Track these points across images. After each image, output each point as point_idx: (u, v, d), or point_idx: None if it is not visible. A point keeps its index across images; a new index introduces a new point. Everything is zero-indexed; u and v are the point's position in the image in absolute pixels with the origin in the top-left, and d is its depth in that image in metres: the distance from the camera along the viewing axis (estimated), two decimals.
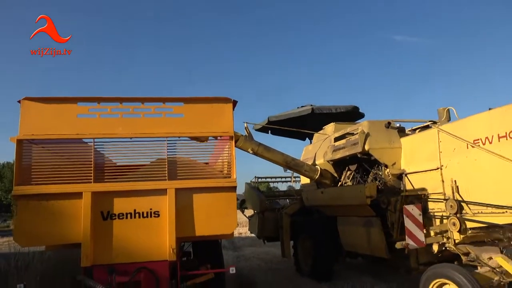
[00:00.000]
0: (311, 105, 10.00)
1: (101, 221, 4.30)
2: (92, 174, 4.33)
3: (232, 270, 4.58)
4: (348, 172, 7.54)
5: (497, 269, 4.66)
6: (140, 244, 4.32)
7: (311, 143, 9.41)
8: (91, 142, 4.43)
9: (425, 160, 5.76)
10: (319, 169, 7.56)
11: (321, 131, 8.59)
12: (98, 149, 4.46)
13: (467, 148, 5.12)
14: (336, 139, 7.52)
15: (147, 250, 4.32)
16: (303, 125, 9.46)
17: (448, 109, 6.49)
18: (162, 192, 4.42)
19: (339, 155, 7.19)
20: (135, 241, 4.31)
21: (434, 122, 6.44)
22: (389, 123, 6.53)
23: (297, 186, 10.92)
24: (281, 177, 11.69)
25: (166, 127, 4.59)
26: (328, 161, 7.57)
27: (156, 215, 4.41)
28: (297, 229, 8.62)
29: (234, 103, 4.74)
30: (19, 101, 4.36)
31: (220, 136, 4.73)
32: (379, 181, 6.54)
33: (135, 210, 4.38)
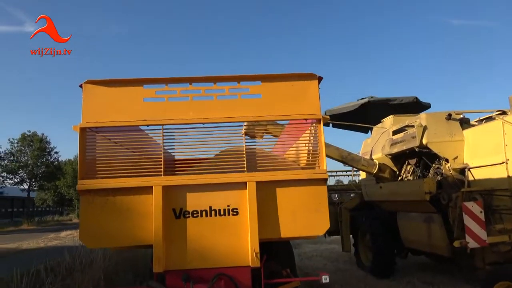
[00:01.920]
0: (371, 97, 9.60)
1: (174, 220, 3.75)
2: (162, 166, 3.77)
3: (326, 279, 3.84)
4: (409, 167, 7.26)
5: None
6: (218, 247, 3.74)
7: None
8: (160, 129, 3.86)
9: (489, 154, 5.43)
10: (377, 163, 7.34)
11: (379, 124, 8.32)
12: (167, 137, 3.89)
13: None
14: (395, 132, 7.26)
15: (225, 254, 3.73)
16: (363, 118, 9.39)
17: None
18: (241, 186, 3.82)
19: (396, 149, 6.95)
20: (212, 243, 3.73)
21: (504, 112, 6.11)
22: (449, 114, 6.18)
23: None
24: (345, 171, 11.30)
25: (242, 110, 3.95)
26: (386, 155, 7.35)
27: (235, 213, 3.80)
28: (357, 223, 8.53)
29: (320, 79, 3.97)
30: (80, 85, 3.89)
31: (306, 119, 3.98)
32: (440, 176, 6.20)
33: (210, 207, 3.79)
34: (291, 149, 4.55)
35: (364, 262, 8.19)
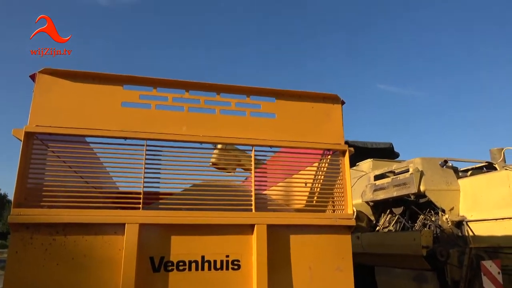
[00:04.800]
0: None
1: (151, 274, 2.65)
2: (141, 196, 2.71)
3: None
4: (389, 216, 6.69)
5: None
6: None
7: None
8: (142, 145, 2.84)
9: (493, 207, 5.03)
10: (355, 210, 6.48)
11: (355, 167, 7.70)
12: (151, 157, 2.86)
13: None
14: (377, 178, 6.68)
15: None
16: None
17: (504, 150, 6.07)
18: (246, 229, 2.85)
19: (382, 195, 6.31)
20: None
21: (490, 163, 5.93)
22: (445, 161, 5.83)
23: None
24: None
25: (251, 130, 3.08)
26: (367, 202, 6.70)
27: (236, 267, 2.80)
28: None
29: (343, 103, 3.30)
30: (32, 76, 2.80)
31: (327, 149, 3.22)
32: (436, 228, 5.65)
33: (203, 258, 2.75)
34: (285, 184, 3.70)
35: None
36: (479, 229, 5.15)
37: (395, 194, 5.99)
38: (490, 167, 5.92)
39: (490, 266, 4.46)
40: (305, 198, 3.51)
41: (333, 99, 3.34)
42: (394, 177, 6.18)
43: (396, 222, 6.43)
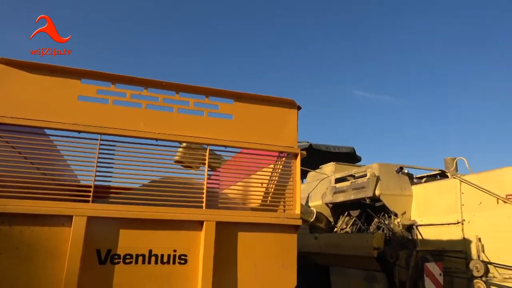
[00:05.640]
0: (307, 142, 9.37)
1: (97, 266, 2.70)
2: (91, 189, 2.75)
3: None
4: (347, 218, 6.94)
5: None
6: None
7: (302, 182, 8.72)
8: (96, 139, 2.88)
9: (442, 213, 5.33)
10: (314, 211, 6.75)
11: (318, 170, 7.95)
12: (105, 151, 2.91)
13: (497, 203, 4.69)
14: (338, 180, 6.93)
15: None
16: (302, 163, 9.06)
17: (457, 160, 6.25)
18: (195, 225, 2.95)
19: (341, 198, 6.56)
20: None
21: (443, 172, 6.19)
22: (401, 168, 6.10)
23: None
24: None
25: (208, 130, 3.17)
26: (326, 204, 6.91)
27: (183, 261, 2.88)
28: None
29: (299, 108, 3.45)
30: None
31: (282, 152, 3.36)
32: (389, 231, 5.93)
33: (150, 251, 2.83)
34: (243, 184, 3.83)
35: None
36: (427, 233, 5.44)
37: (352, 197, 6.22)
38: (443, 175, 6.24)
39: (433, 268, 4.71)
40: (261, 197, 3.64)
41: (290, 104, 3.48)
42: (353, 180, 6.42)
43: (353, 224, 6.67)
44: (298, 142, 9.58)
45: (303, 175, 8.95)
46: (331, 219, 7.02)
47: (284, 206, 3.37)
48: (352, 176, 6.63)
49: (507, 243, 4.51)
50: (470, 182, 5.03)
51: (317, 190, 7.45)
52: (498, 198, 4.65)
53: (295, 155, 3.39)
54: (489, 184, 4.82)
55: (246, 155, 3.42)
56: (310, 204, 7.26)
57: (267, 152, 3.47)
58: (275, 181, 3.54)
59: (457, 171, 6.13)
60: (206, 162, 3.13)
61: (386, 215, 6.12)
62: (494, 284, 4.52)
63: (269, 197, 3.47)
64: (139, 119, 3.03)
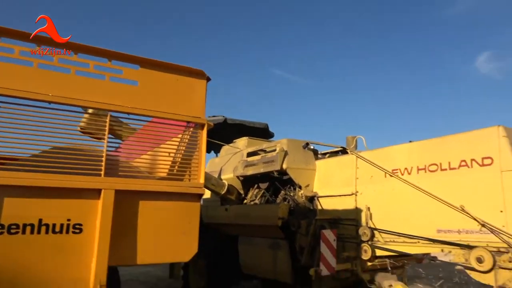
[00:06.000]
0: (223, 116, 9.48)
1: None
2: None
3: None
4: (256, 190, 7.20)
5: None
6: (46, 278, 2.63)
7: (216, 156, 8.88)
8: None
9: (340, 185, 5.79)
10: (226, 184, 6.95)
11: (231, 144, 8.10)
12: None
13: (385, 177, 5.22)
14: (249, 155, 7.14)
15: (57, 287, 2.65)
16: (211, 136, 9.09)
17: (357, 138, 6.71)
18: (92, 194, 2.85)
19: (251, 171, 6.82)
20: (39, 272, 2.61)
21: (345, 149, 6.68)
22: (307, 143, 6.50)
23: None
24: None
25: (109, 96, 3.04)
26: (237, 177, 7.14)
27: (77, 231, 2.79)
28: None
29: (208, 79, 3.48)
30: None
31: (189, 123, 3.37)
32: (293, 202, 6.32)
33: (40, 221, 2.68)
34: (152, 153, 3.79)
35: None
36: (326, 204, 5.94)
37: (262, 170, 6.50)
38: (344, 152, 6.83)
39: (329, 234, 5.18)
40: (168, 167, 3.63)
41: (199, 74, 3.48)
42: (264, 155, 6.68)
43: (262, 196, 6.98)
44: (214, 116, 9.45)
45: (218, 148, 9.04)
46: (242, 192, 7.24)
47: (190, 176, 3.42)
48: (263, 150, 6.85)
49: (391, 211, 5.08)
50: (364, 158, 5.55)
51: (229, 163, 7.60)
52: (386, 172, 5.20)
53: (202, 126, 3.43)
54: (379, 160, 5.35)
55: (154, 124, 3.37)
56: (222, 177, 7.40)
57: (175, 122, 3.45)
58: (182, 151, 3.55)
59: (356, 148, 6.59)
60: (107, 128, 3.01)
61: (292, 187, 6.49)
62: (378, 247, 5.09)
63: (176, 167, 3.48)
64: (30, 79, 2.78)
